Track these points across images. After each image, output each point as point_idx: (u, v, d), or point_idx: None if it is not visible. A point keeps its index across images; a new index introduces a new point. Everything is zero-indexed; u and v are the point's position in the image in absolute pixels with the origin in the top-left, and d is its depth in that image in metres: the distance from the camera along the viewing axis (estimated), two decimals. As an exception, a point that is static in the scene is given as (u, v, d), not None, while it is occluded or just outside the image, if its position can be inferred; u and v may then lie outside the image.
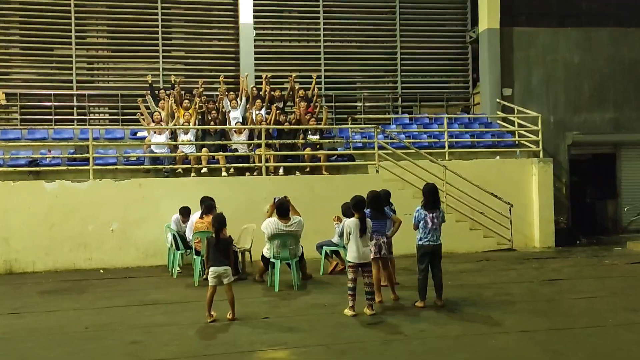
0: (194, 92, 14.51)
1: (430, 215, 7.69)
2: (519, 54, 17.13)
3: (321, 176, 13.23)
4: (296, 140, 13.53)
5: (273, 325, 7.06)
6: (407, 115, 16.83)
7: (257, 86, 15.40)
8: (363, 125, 15.17)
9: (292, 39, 17.59)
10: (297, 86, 15.26)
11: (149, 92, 14.55)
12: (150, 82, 14.83)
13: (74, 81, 16.43)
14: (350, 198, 7.56)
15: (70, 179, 12.22)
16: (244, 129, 13.70)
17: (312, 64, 17.43)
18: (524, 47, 17.15)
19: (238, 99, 14.61)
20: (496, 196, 13.52)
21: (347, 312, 7.38)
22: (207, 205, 10.24)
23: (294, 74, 15.45)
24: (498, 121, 16.37)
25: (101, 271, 11.61)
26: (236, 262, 10.17)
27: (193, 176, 12.99)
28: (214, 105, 14.68)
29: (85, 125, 15.73)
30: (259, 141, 13.07)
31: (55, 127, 14.71)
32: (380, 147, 13.54)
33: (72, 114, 16.38)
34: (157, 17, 16.74)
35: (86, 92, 16.46)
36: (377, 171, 13.25)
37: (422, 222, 7.71)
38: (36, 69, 16.51)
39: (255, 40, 16.75)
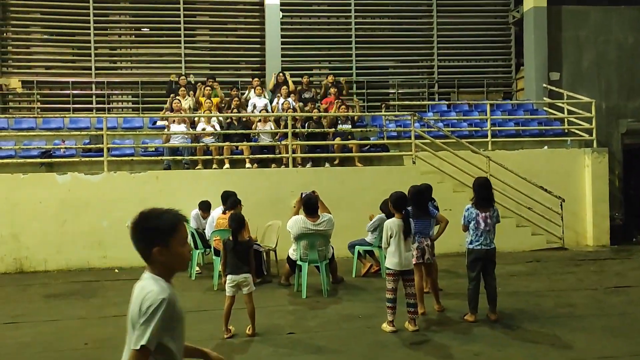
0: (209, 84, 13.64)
1: (483, 214, 6.59)
2: (568, 35, 15.76)
3: (352, 168, 12.17)
4: (325, 129, 12.45)
5: (299, 343, 6.06)
6: (444, 102, 15.62)
7: (285, 73, 14.45)
8: (398, 113, 14.02)
9: (321, 22, 16.50)
10: (330, 79, 14.26)
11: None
12: (175, 80, 13.91)
13: (93, 68, 15.64)
14: (390, 194, 6.49)
15: (85, 171, 11.41)
16: (269, 119, 12.69)
17: (342, 49, 16.37)
18: (574, 27, 15.77)
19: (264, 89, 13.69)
20: (546, 190, 12.29)
21: (386, 327, 6.35)
22: (232, 200, 9.28)
23: (330, 77, 14.36)
24: (545, 108, 15.08)
25: (116, 271, 10.77)
26: (260, 263, 9.23)
27: (215, 168, 12.07)
28: (237, 92, 13.74)
29: (105, 114, 14.90)
30: (285, 130, 12.05)
31: (70, 115, 13.87)
32: (417, 137, 12.42)
33: (91, 102, 15.62)
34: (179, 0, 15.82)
35: (105, 80, 15.66)
36: (413, 162, 12.13)
37: (473, 222, 6.62)
38: (54, 55, 15.75)
39: (281, 23, 15.71)
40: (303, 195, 8.28)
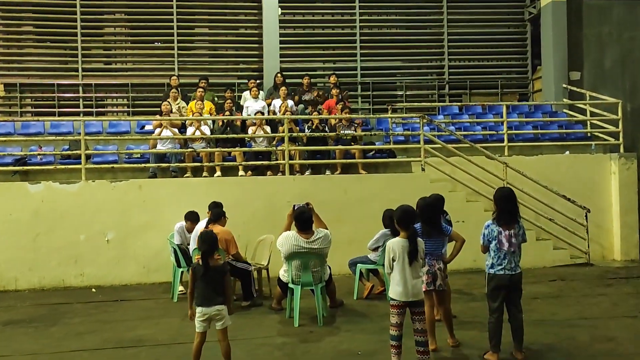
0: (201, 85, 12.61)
1: (507, 232, 5.46)
2: (590, 32, 14.62)
3: (355, 176, 11.08)
4: (325, 134, 11.35)
5: (283, 391, 4.97)
6: (456, 104, 14.51)
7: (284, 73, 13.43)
8: (406, 115, 12.91)
9: (324, 19, 15.45)
10: (332, 79, 13.21)
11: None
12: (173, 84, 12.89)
13: (80, 70, 14.66)
14: (396, 208, 5.39)
15: (63, 179, 10.39)
16: (264, 123, 11.65)
17: (345, 48, 15.32)
18: (596, 23, 14.63)
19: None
20: (568, 199, 11.14)
21: (390, 369, 5.25)
22: (215, 212, 8.24)
23: (332, 78, 13.28)
24: (565, 110, 13.94)
25: (93, 290, 9.74)
26: (249, 284, 8.14)
27: (205, 176, 11.03)
28: (232, 94, 12.71)
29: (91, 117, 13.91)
30: (281, 134, 10.99)
31: (50, 119, 12.85)
32: (427, 141, 11.32)
33: (78, 107, 14.64)
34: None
35: (93, 82, 14.67)
36: (422, 169, 11.02)
37: (494, 242, 5.50)
38: (39, 57, 14.80)
39: (280, 21, 14.67)
40: (295, 208, 7.19)
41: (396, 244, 5.20)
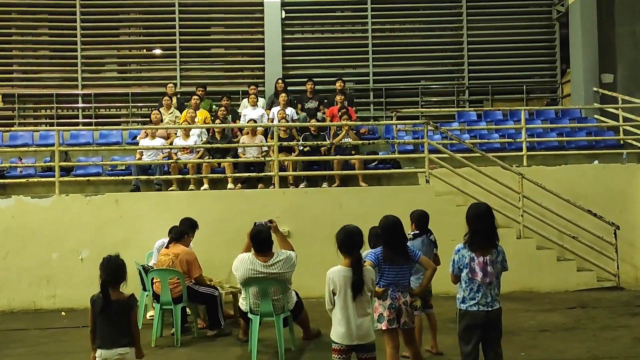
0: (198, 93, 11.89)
1: (481, 259, 4.41)
2: (623, 30, 13.37)
3: (352, 188, 10.10)
4: (316, 142, 10.41)
5: None
6: (471, 109, 13.38)
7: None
8: (408, 122, 11.85)
9: (332, 22, 14.58)
10: (338, 85, 12.28)
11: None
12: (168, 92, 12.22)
13: (79, 79, 14.15)
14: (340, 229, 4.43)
15: (42, 193, 9.76)
16: (257, 131, 10.82)
17: (356, 52, 14.40)
18: (629, 20, 13.38)
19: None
20: (595, 214, 9.88)
21: None
22: (178, 230, 7.41)
23: (338, 83, 12.35)
24: (595, 115, 12.65)
25: (63, 314, 9.01)
26: (216, 311, 7.24)
27: (191, 189, 10.25)
28: (228, 102, 11.92)
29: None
30: (269, 143, 10.12)
31: (38, 129, 12.30)
32: (434, 150, 10.25)
33: (77, 117, 14.13)
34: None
35: (92, 92, 14.13)
36: (427, 181, 9.94)
37: (465, 270, 4.45)
38: (37, 66, 14.40)
39: (284, 24, 13.86)
40: (256, 225, 6.26)
41: (336, 274, 4.23)
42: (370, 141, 10.78)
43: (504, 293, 9.36)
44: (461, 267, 4.47)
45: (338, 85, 12.35)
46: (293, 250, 6.26)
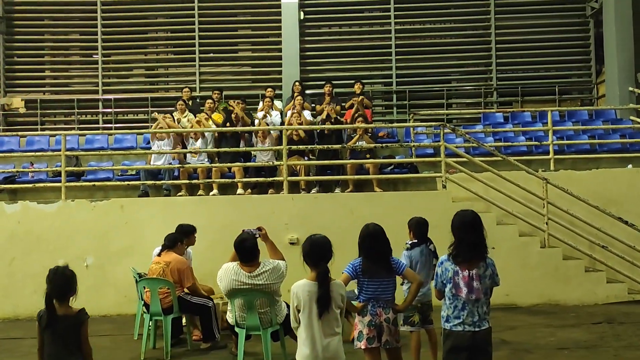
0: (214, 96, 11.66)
1: (466, 273, 3.93)
2: (661, 25, 12.55)
3: (365, 194, 9.65)
4: (330, 145, 9.99)
5: None
6: (494, 110, 12.78)
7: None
8: (423, 124, 11.34)
9: (352, 23, 14.17)
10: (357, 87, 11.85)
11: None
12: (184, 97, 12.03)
13: (100, 84, 14.12)
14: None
15: (52, 199, 9.65)
16: (268, 134, 10.49)
17: (378, 54, 13.95)
18: (668, 14, 12.56)
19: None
20: (627, 222, 9.17)
21: None
22: (171, 237, 7.11)
23: (357, 86, 11.89)
24: (631, 117, 11.87)
25: (65, 321, 8.80)
26: (211, 322, 6.90)
27: (200, 194, 9.99)
28: (243, 105, 11.61)
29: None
30: (278, 147, 9.77)
31: (49, 133, 12.21)
32: (456, 154, 9.75)
33: (98, 122, 14.11)
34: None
35: (112, 97, 14.08)
36: (444, 186, 9.41)
37: (449, 285, 3.97)
38: (60, 72, 14.46)
39: (301, 26, 13.51)
40: (244, 232, 5.89)
41: (300, 289, 3.82)
42: (384, 144, 10.27)
43: (527, 306, 8.90)
44: (444, 282, 4.00)
45: (357, 87, 11.93)
46: (283, 260, 5.86)
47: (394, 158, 10.65)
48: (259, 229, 5.97)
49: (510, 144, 11.02)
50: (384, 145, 10.36)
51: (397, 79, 13.92)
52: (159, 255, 7.03)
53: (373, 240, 4.38)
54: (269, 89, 12.04)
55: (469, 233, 3.96)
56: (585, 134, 11.52)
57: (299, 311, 3.83)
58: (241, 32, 14.19)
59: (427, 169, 10.60)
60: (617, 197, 9.70)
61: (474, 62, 14.21)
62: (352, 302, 4.47)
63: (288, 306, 6.02)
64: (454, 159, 9.67)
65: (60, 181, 9.93)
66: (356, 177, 9.86)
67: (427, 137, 11.58)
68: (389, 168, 10.41)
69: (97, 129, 13.78)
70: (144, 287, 6.80)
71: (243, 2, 13.96)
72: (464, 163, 9.59)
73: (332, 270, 5.62)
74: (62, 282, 4.01)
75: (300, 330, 3.83)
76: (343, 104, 11.82)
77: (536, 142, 10.86)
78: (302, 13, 13.45)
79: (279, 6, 13.43)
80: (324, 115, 10.62)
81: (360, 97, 11.29)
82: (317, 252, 3.89)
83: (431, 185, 10.17)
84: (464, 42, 14.15)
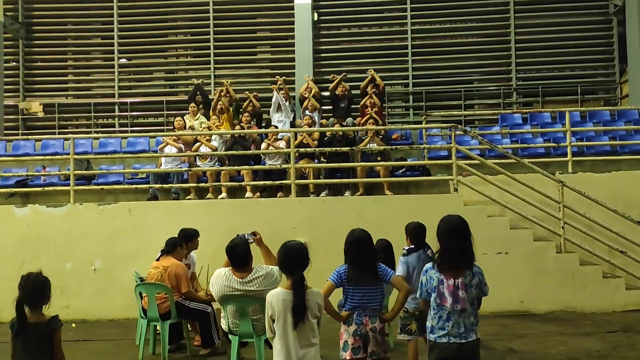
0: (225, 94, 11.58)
1: (451, 282, 3.73)
2: (686, 23, 12.08)
3: (374, 197, 9.48)
4: (339, 148, 9.83)
5: None
6: (510, 111, 12.45)
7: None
8: (434, 125, 11.10)
9: (366, 24, 13.98)
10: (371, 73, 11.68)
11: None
12: (197, 83, 12.02)
13: (116, 88, 14.19)
14: (282, 245, 3.87)
15: (63, 203, 9.69)
16: (279, 137, 10.38)
17: (394, 55, 13.73)
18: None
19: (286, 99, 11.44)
20: (646, 227, 8.83)
21: None
22: (171, 242, 7.03)
23: (371, 71, 11.76)
24: (655, 117, 11.49)
25: (73, 325, 8.79)
26: (210, 328, 6.79)
27: (209, 198, 9.92)
28: (254, 108, 11.54)
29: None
30: (286, 150, 9.64)
31: (61, 137, 12.28)
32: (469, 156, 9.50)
33: (114, 125, 14.18)
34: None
35: (128, 100, 14.14)
36: (455, 189, 9.17)
37: (434, 295, 3.78)
38: (77, 76, 14.59)
39: (315, 27, 13.37)
40: (238, 237, 5.76)
41: (275, 297, 3.68)
42: (394, 147, 10.06)
43: (543, 312, 8.58)
44: (429, 291, 3.81)
45: (371, 73, 11.67)
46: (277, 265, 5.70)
47: (406, 160, 10.42)
48: (253, 233, 5.85)
49: (526, 145, 10.71)
50: (392, 147, 10.11)
51: (414, 80, 13.68)
52: (157, 259, 6.94)
53: (359, 247, 4.20)
54: (278, 77, 11.91)
55: (454, 239, 3.76)
56: (606, 135, 11.14)
57: (273, 321, 3.67)
58: (256, 34, 14.09)
59: (441, 171, 10.36)
60: (638, 200, 9.34)
61: (494, 62, 13.89)
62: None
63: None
64: (466, 162, 9.42)
65: (79, 184, 10.02)
66: (365, 180, 9.69)
67: (442, 139, 11.34)
68: (401, 171, 10.20)
69: (114, 132, 13.83)
70: (140, 293, 6.71)
71: (257, 4, 13.86)
72: (477, 165, 9.33)
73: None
74: (33, 289, 3.92)
75: (275, 340, 3.68)
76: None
77: (553, 144, 10.52)
78: (315, 14, 13.30)
79: (292, 8, 13.29)
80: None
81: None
82: (292, 259, 3.74)
83: (444, 189, 9.91)
84: (483, 42, 13.85)
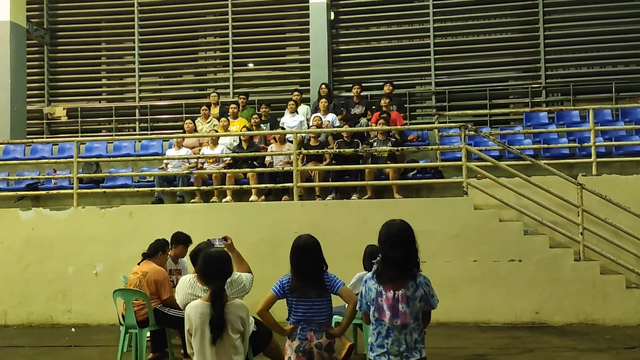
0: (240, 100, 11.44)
1: (390, 294, 3.33)
2: None
3: (379, 201, 9.03)
4: (344, 150, 9.45)
5: None
6: (533, 109, 11.83)
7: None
8: (445, 125, 10.60)
9: (385, 23, 13.54)
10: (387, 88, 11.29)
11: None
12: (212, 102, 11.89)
13: (137, 91, 14.22)
14: (200, 254, 3.56)
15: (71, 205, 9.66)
16: (284, 139, 10.10)
17: (415, 54, 13.26)
18: None
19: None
20: (675, 234, 8.13)
21: None
22: (154, 245, 6.83)
23: (386, 87, 11.34)
24: (693, 115, 10.66)
25: (73, 330, 8.75)
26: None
27: (213, 201, 9.72)
28: (266, 109, 11.29)
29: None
30: (289, 152, 9.34)
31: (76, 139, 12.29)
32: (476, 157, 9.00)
33: (135, 129, 14.21)
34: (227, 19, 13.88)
35: (149, 104, 14.14)
36: (465, 192, 8.66)
37: (372, 308, 3.39)
38: (98, 81, 14.70)
39: (332, 26, 13.04)
40: (209, 242, 5.47)
41: (192, 310, 3.36)
42: (400, 148, 9.60)
43: (560, 325, 7.98)
44: (369, 304, 3.42)
45: (386, 89, 11.35)
46: (250, 272, 5.39)
47: (418, 162, 9.96)
48: (224, 238, 5.52)
49: (547, 146, 10.09)
50: (398, 149, 9.65)
51: (436, 79, 13.17)
52: (139, 263, 6.74)
53: (303, 255, 3.86)
54: (295, 93, 11.67)
55: (394, 247, 3.38)
56: (637, 135, 10.39)
57: (191, 335, 3.36)
58: (271, 36, 13.84)
59: (456, 174, 9.85)
60: (666, 204, 8.63)
61: (521, 60, 13.24)
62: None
63: (257, 322, 5.59)
64: (479, 163, 8.90)
65: (82, 188, 9.97)
66: (371, 182, 9.28)
67: (460, 140, 10.80)
68: (412, 173, 9.75)
69: (123, 135, 13.83)
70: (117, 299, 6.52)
71: (272, 6, 13.63)
72: (493, 167, 8.79)
73: (345, 281, 5.11)
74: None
75: (195, 358, 3.37)
76: (374, 107, 11.25)
77: (577, 144, 9.87)
78: (332, 13, 12.96)
79: (307, 8, 13.00)
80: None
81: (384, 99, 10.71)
82: (210, 267, 3.42)
83: (458, 192, 9.38)
84: (509, 39, 13.21)
